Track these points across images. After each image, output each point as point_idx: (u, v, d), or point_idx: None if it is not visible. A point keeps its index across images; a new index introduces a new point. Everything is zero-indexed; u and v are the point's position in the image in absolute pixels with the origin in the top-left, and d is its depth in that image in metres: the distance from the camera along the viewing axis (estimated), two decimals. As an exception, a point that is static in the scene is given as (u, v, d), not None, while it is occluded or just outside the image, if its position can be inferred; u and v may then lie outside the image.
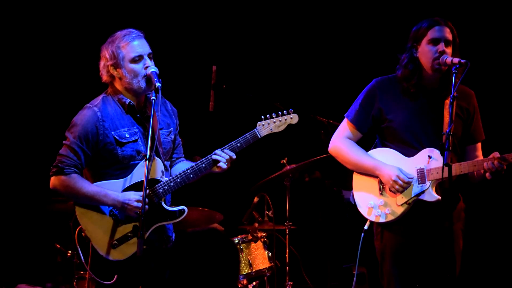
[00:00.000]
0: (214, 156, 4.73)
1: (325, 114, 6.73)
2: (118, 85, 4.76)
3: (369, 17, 7.98)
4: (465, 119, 4.90)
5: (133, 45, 4.69)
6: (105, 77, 4.77)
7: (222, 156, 4.73)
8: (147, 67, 4.67)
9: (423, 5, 7.56)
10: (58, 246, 6.33)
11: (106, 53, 4.72)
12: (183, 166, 4.84)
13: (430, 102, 4.86)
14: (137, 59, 4.67)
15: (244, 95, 6.70)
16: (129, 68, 4.67)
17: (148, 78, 4.66)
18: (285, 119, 4.91)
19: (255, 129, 4.84)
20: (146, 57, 4.70)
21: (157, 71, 4.68)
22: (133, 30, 4.76)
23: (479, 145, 4.99)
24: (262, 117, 4.88)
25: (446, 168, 4.42)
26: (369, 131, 5.01)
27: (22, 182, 7.22)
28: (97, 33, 7.16)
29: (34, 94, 7.52)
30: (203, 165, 4.74)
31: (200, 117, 7.23)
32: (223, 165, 4.72)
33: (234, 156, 4.77)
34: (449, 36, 4.75)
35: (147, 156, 4.45)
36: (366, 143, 5.05)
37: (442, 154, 4.42)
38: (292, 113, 4.94)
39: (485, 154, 4.82)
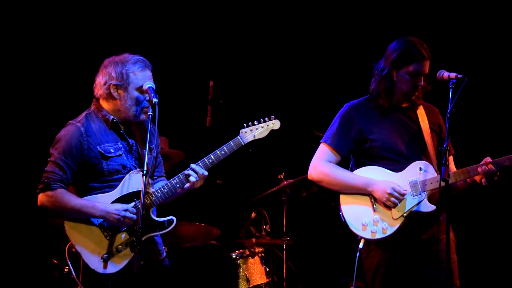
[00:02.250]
0: (187, 171, 4.73)
1: (322, 129, 6.73)
2: (109, 104, 4.78)
3: (365, 34, 8.00)
4: (439, 134, 5.01)
5: (144, 75, 4.73)
6: (101, 92, 4.77)
7: (196, 171, 4.72)
8: (148, 97, 4.71)
9: (416, 20, 7.61)
10: (56, 261, 6.31)
11: (112, 71, 4.72)
12: (164, 183, 4.84)
13: (405, 116, 4.97)
14: (143, 89, 4.71)
15: (241, 110, 6.73)
16: (133, 95, 4.71)
17: (146, 111, 4.71)
18: (267, 125, 4.94)
19: (238, 136, 4.86)
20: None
21: (154, 87, 4.71)
22: (145, 59, 4.80)
23: (451, 158, 5.05)
24: (245, 124, 4.90)
25: (437, 179, 4.64)
26: (348, 154, 5.03)
27: (19, 197, 7.19)
28: (87, 50, 7.24)
29: (32, 103, 7.49)
30: (183, 176, 4.74)
31: (198, 132, 7.23)
32: (193, 179, 4.70)
33: (206, 173, 4.74)
34: (427, 69, 4.86)
35: (144, 171, 4.45)
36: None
37: (439, 169, 4.48)
38: (274, 119, 4.97)
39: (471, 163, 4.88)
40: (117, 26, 7.62)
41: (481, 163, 4.71)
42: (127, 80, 4.70)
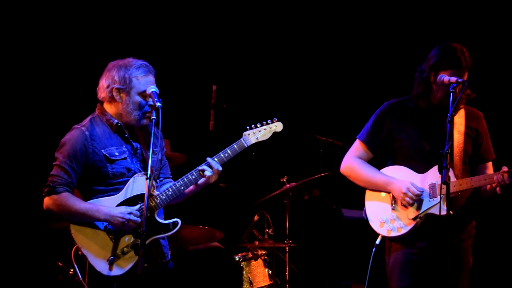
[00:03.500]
0: (201, 167, 4.76)
1: (324, 133, 6.77)
2: (112, 108, 4.81)
3: (368, 40, 8.02)
4: (475, 139, 5.01)
5: (147, 80, 4.75)
6: (103, 95, 4.80)
7: (209, 167, 4.76)
8: (149, 101, 4.74)
9: (420, 28, 7.62)
10: (60, 264, 6.32)
11: (115, 74, 4.75)
12: (171, 185, 4.86)
13: (440, 120, 4.95)
14: (145, 94, 4.74)
15: (243, 114, 6.74)
16: (135, 100, 4.74)
17: (148, 116, 4.74)
18: (270, 127, 4.99)
19: (241, 139, 4.90)
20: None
21: (158, 91, 4.73)
22: (149, 64, 4.82)
23: (489, 164, 5.09)
24: (248, 127, 4.94)
25: (454, 184, 4.68)
26: (381, 152, 5.11)
27: (23, 200, 7.22)
28: (91, 54, 7.26)
29: (37, 108, 7.52)
30: (193, 176, 4.78)
31: (200, 136, 7.25)
32: (208, 173, 4.73)
33: (220, 168, 4.79)
34: (464, 78, 4.82)
35: (148, 175, 4.49)
36: (377, 165, 5.12)
37: (440, 172, 4.50)
38: (277, 121, 5.01)
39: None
40: (122, 31, 7.66)
41: (498, 171, 4.72)
42: (130, 84, 4.72)
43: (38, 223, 6.62)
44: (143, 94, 4.74)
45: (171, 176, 5.07)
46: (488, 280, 7.45)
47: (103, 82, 4.80)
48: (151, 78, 4.78)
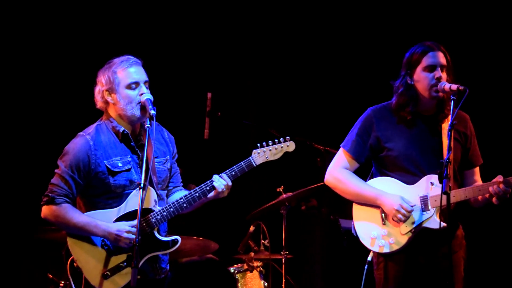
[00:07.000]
0: (211, 183, 4.67)
1: (321, 141, 6.71)
2: (112, 112, 4.73)
3: (365, 46, 8.00)
4: (464, 144, 4.89)
5: (129, 71, 4.66)
6: (99, 103, 4.74)
7: (220, 182, 4.67)
8: (142, 94, 4.63)
9: (419, 30, 7.57)
10: (51, 276, 6.27)
11: (102, 78, 4.69)
12: (179, 195, 4.77)
13: (428, 128, 4.85)
14: (133, 86, 4.64)
15: (239, 123, 6.69)
16: (124, 94, 4.64)
17: (142, 106, 4.62)
18: (281, 147, 4.84)
19: (250, 157, 4.77)
20: (142, 84, 4.67)
21: (152, 99, 4.64)
22: (131, 57, 4.74)
23: (477, 169, 4.98)
24: (258, 144, 4.80)
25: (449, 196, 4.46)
26: (366, 160, 4.96)
27: (12, 210, 7.16)
28: (92, 59, 7.19)
29: (28, 120, 7.47)
30: (197, 194, 4.68)
31: (195, 145, 7.20)
32: (219, 188, 4.64)
33: (230, 183, 4.70)
34: (443, 61, 4.75)
35: (141, 186, 4.39)
36: (361, 171, 5.00)
37: (440, 182, 4.39)
38: (289, 140, 4.86)
39: (485, 177, 4.83)
40: (117, 36, 7.64)
41: (492, 181, 4.62)
42: (115, 81, 4.64)
43: (28, 233, 6.57)
44: (130, 86, 4.64)
45: (181, 185, 4.99)
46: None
47: (96, 92, 4.76)
48: (135, 68, 4.68)
